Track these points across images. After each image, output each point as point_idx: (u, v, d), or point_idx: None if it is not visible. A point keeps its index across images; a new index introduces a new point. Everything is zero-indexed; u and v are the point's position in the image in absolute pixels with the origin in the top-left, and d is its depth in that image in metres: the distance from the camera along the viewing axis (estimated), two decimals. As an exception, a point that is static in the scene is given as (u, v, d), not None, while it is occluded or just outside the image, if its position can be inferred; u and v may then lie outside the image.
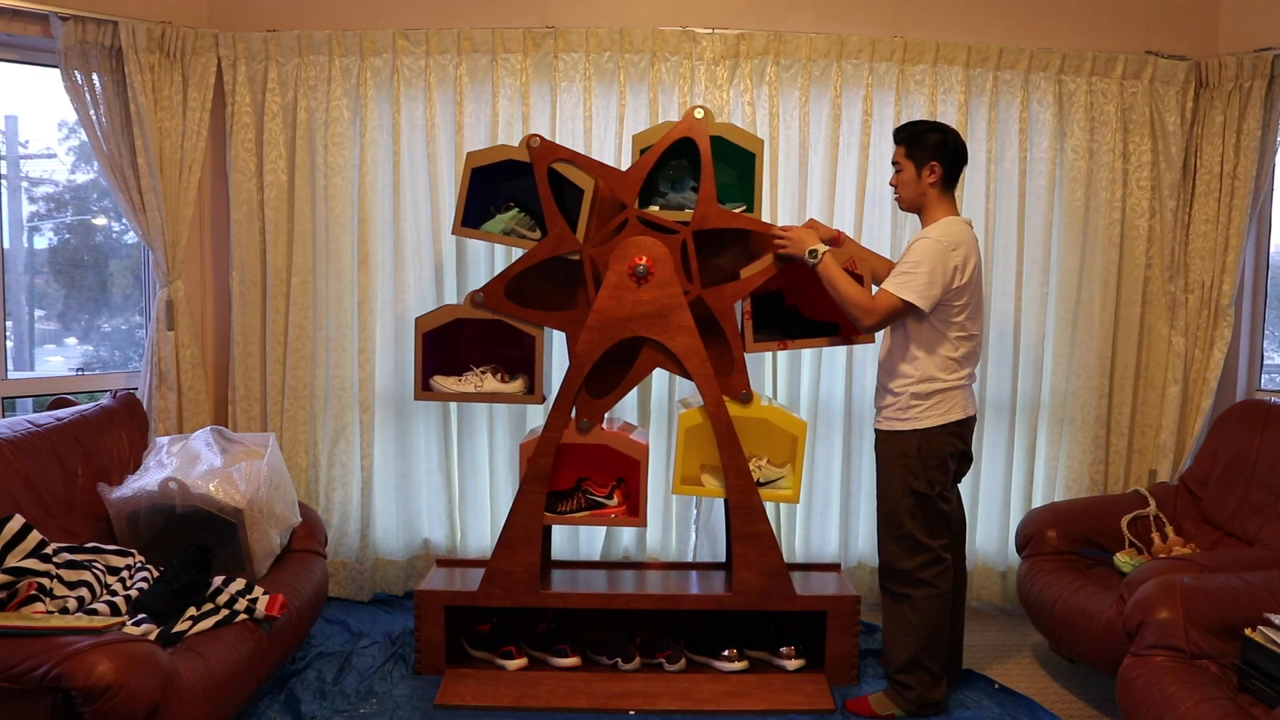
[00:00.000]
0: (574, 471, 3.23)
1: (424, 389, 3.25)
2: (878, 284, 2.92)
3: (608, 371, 3.15)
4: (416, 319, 3.22)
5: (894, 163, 2.89)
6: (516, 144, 3.22)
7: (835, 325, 3.17)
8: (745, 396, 3.12)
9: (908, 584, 2.84)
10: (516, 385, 3.26)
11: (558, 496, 3.18)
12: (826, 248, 2.90)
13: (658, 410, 3.74)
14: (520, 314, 3.17)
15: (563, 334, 3.24)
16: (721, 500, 3.44)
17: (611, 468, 3.20)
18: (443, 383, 3.25)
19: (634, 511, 3.16)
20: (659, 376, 3.71)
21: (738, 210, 3.14)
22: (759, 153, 3.16)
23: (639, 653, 3.18)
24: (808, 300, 3.20)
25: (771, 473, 3.16)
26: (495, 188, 3.23)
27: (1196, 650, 2.36)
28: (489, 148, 3.21)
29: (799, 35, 3.58)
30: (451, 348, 3.37)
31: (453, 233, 3.23)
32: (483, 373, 3.25)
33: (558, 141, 3.57)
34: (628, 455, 3.13)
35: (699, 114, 3.04)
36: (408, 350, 3.67)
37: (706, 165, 3.06)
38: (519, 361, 3.31)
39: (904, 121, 2.92)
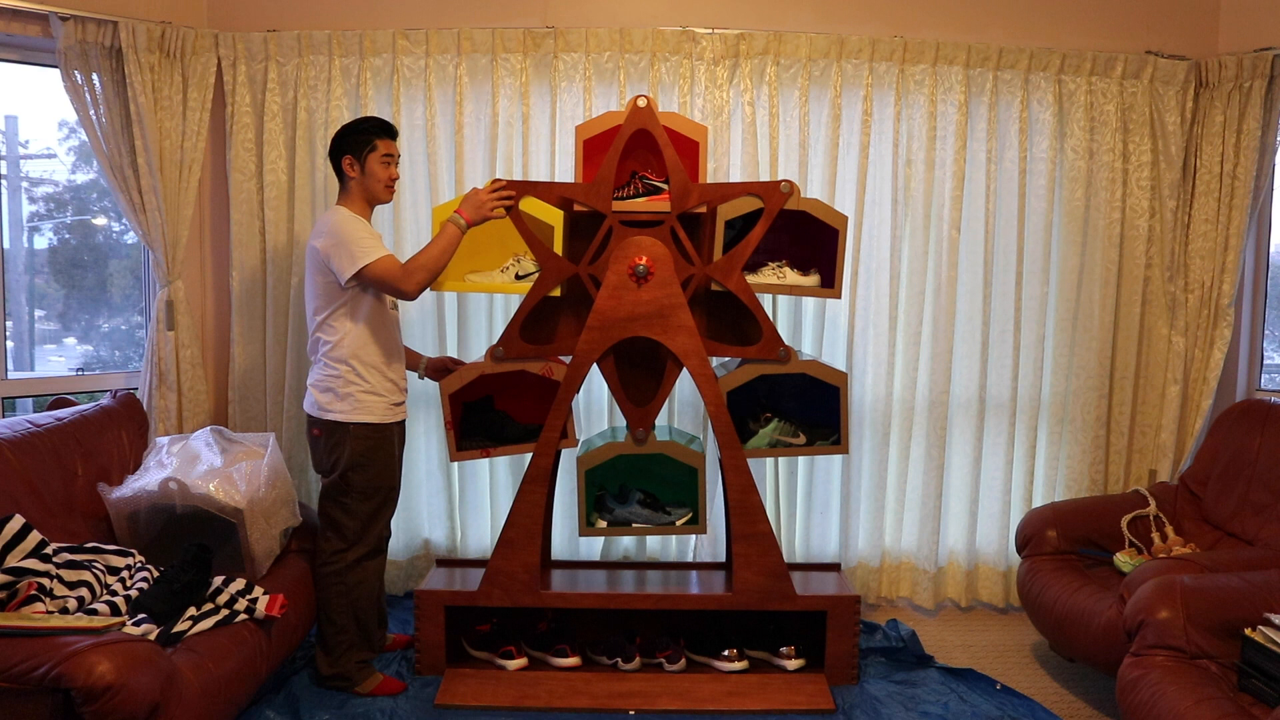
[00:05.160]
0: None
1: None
2: None
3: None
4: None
5: None
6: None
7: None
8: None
9: None
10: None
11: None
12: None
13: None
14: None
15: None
16: (721, 500, 3.44)
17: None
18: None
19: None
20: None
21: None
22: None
23: (639, 653, 3.18)
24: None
25: (529, 266, 3.15)
26: None
27: (1196, 650, 2.37)
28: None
29: (799, 35, 3.58)
30: None
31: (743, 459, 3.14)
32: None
33: (555, 141, 3.58)
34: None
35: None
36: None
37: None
38: None
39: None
